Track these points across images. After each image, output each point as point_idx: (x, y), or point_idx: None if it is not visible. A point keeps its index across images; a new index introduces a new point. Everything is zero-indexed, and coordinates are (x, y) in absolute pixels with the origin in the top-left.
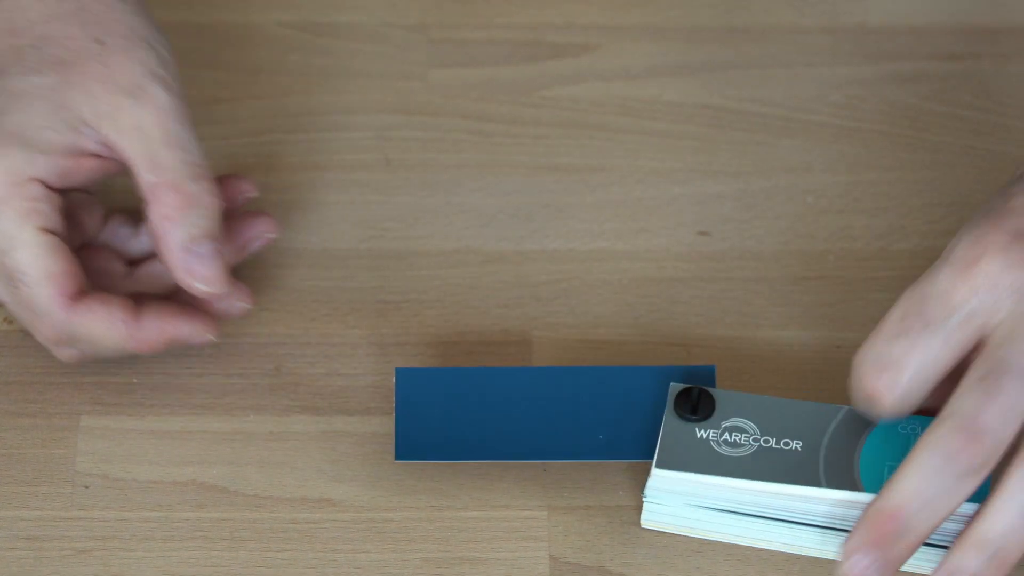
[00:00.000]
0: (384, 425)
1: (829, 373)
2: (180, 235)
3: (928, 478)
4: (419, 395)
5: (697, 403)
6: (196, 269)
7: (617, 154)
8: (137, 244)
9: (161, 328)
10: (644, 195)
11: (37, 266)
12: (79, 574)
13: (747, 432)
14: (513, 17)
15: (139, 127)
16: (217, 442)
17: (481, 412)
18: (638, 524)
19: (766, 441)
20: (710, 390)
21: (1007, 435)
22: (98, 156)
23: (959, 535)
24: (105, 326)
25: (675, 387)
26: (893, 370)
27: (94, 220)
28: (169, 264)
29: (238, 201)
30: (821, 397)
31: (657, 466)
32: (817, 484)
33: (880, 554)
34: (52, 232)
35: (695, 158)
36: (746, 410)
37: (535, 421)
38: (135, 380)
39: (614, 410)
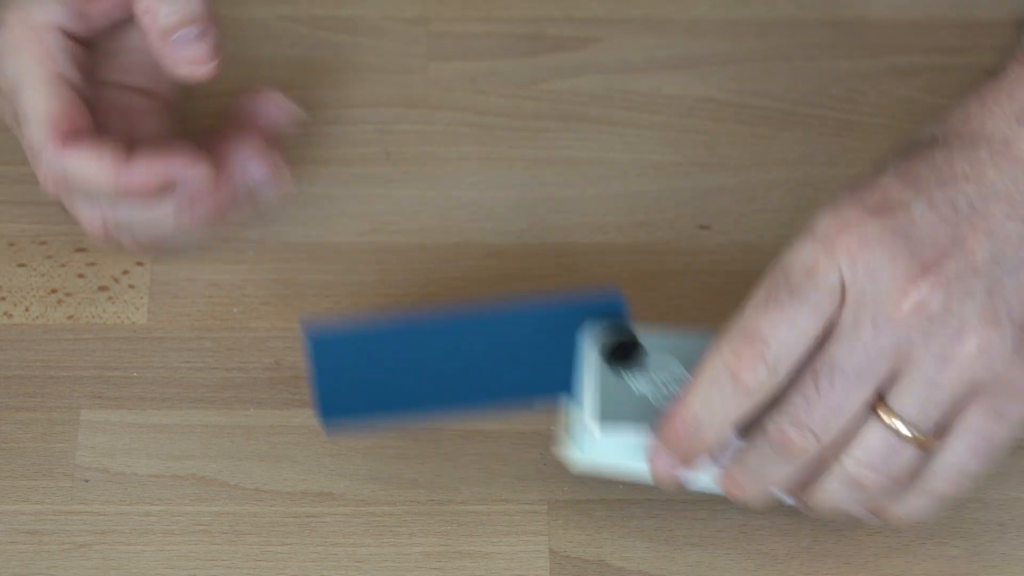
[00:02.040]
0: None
1: None
2: (160, 24)
3: (756, 461)
4: (334, 356)
5: (629, 355)
6: (182, 54)
7: (617, 147)
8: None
9: (150, 166)
10: (644, 188)
11: (38, 107)
12: (79, 568)
13: (675, 375)
14: (513, 10)
15: None
16: (217, 436)
17: (397, 368)
18: (639, 518)
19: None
20: (637, 336)
21: (834, 430)
22: None
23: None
24: (94, 166)
25: (598, 336)
26: (761, 340)
27: (148, 124)
28: (160, 59)
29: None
30: None
31: (603, 430)
32: None
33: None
34: (62, 78)
35: (695, 151)
36: (669, 349)
37: (455, 371)
38: (135, 374)
39: (530, 350)
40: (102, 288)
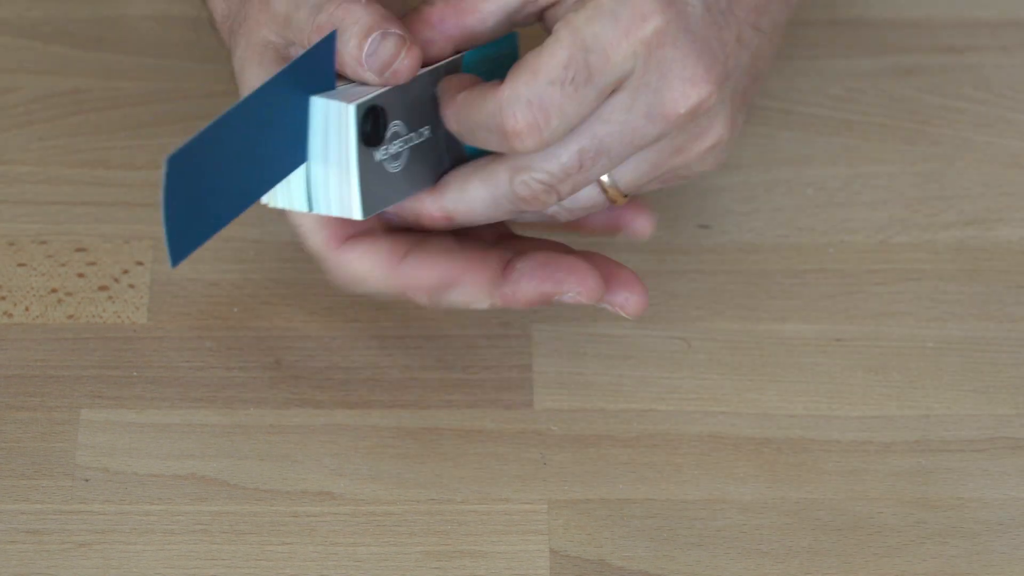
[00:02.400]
0: (385, 418)
1: (829, 366)
2: (348, 65)
3: (490, 208)
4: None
5: (378, 124)
6: (374, 66)
7: None
8: None
9: (427, 266)
10: None
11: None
12: (79, 567)
13: (400, 134)
14: None
15: (285, 16)
16: (217, 435)
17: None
18: (639, 518)
19: (409, 139)
20: (373, 103)
21: (574, 192)
22: None
23: None
24: (369, 264)
25: (347, 108)
26: (544, 115)
27: None
28: (361, 79)
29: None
30: (819, 392)
31: (364, 215)
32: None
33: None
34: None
35: None
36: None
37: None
38: (135, 374)
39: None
40: (102, 288)
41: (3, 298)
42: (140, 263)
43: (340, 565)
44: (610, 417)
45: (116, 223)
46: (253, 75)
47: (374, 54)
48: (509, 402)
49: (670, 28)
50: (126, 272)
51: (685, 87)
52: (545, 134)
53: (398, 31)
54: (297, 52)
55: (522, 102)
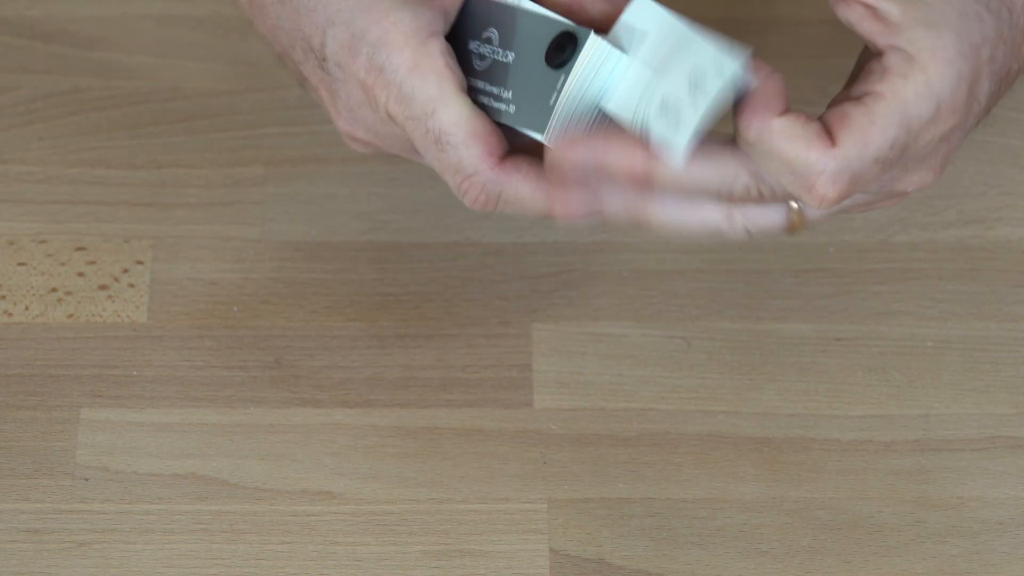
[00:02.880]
0: (385, 417)
1: (829, 366)
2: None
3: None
4: None
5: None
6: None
7: None
8: None
9: (586, 195)
10: None
11: (464, 126)
12: (79, 566)
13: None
14: None
15: None
16: (217, 435)
17: None
18: (639, 517)
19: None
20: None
21: None
22: None
23: None
24: (532, 187)
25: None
26: (857, 187)
27: None
28: None
29: None
30: (819, 391)
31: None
32: None
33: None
34: (465, 92)
35: None
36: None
37: None
38: (135, 373)
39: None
40: (102, 287)
41: (3, 297)
42: (140, 262)
43: (340, 564)
44: (610, 416)
45: (116, 222)
46: (459, 114)
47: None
48: (509, 401)
49: (958, 130)
50: (126, 271)
51: (926, 175)
52: (845, 203)
53: None
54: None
55: (845, 174)
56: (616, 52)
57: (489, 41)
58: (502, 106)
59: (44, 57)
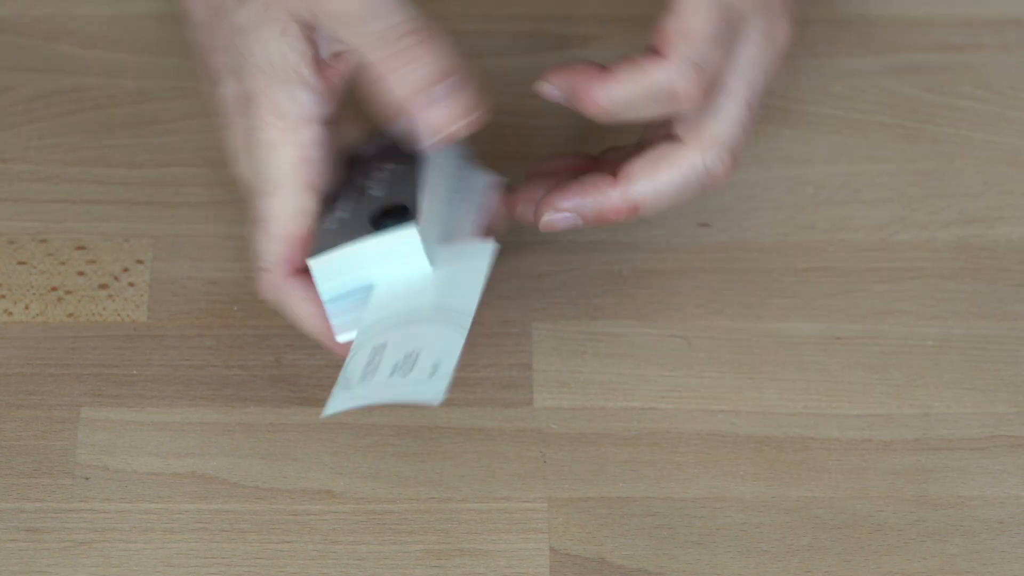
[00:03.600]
0: (385, 416)
1: (829, 365)
2: (395, 93)
3: (679, 187)
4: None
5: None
6: (432, 117)
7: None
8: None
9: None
10: None
11: (282, 224)
12: (79, 565)
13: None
14: (513, 8)
15: (339, 14)
16: (217, 434)
17: None
18: (639, 516)
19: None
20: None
21: None
22: (340, 52)
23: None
24: (310, 311)
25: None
26: (709, 75)
27: (354, 131)
28: (409, 126)
29: None
30: (819, 390)
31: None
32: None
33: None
34: (313, 188)
35: None
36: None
37: None
38: (135, 372)
39: None
40: (102, 286)
41: (3, 296)
42: (140, 261)
43: (340, 563)
44: (610, 415)
45: (116, 221)
46: (271, 42)
47: (440, 101)
48: (509, 400)
49: None
50: (126, 270)
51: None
52: (710, 93)
53: (466, 86)
54: (336, 49)
55: (690, 66)
56: (423, 258)
57: (379, 170)
58: (334, 216)
59: (44, 56)
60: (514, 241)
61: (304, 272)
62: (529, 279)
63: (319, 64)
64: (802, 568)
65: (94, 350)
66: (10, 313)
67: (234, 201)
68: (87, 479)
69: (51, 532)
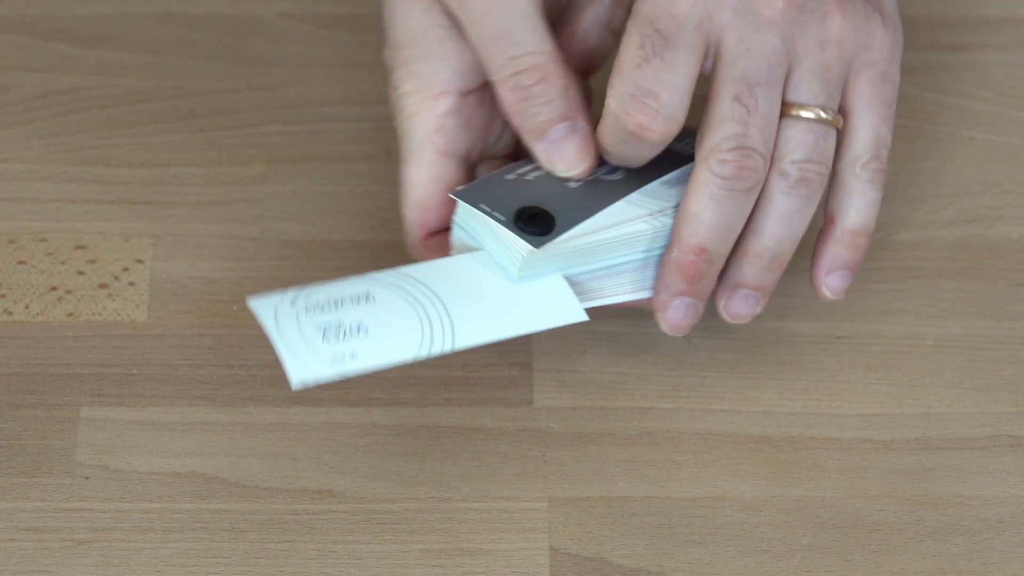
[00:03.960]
0: (385, 416)
1: (829, 364)
2: (526, 131)
3: (719, 208)
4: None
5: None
6: (552, 158)
7: None
8: None
9: None
10: None
11: (417, 191)
12: (79, 565)
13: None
14: None
15: (474, 20)
16: (217, 433)
17: None
18: (639, 515)
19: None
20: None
21: (769, 142)
22: None
23: (736, 250)
24: None
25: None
26: (652, 95)
27: (492, 133)
28: (534, 154)
29: None
30: (819, 389)
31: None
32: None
33: (693, 292)
34: (450, 154)
35: None
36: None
37: None
38: (135, 371)
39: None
40: (102, 285)
41: (3, 296)
42: (140, 261)
43: (340, 563)
44: (610, 415)
45: (116, 221)
46: (412, 16)
47: (556, 142)
48: (509, 400)
49: None
50: (126, 270)
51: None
52: (665, 111)
53: (585, 130)
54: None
55: (625, 99)
56: (515, 272)
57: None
58: (528, 168)
59: (44, 55)
60: None
61: (439, 235)
62: None
63: (461, 38)
64: (802, 567)
65: (94, 350)
66: (10, 313)
67: (234, 200)
68: (87, 479)
69: (51, 532)
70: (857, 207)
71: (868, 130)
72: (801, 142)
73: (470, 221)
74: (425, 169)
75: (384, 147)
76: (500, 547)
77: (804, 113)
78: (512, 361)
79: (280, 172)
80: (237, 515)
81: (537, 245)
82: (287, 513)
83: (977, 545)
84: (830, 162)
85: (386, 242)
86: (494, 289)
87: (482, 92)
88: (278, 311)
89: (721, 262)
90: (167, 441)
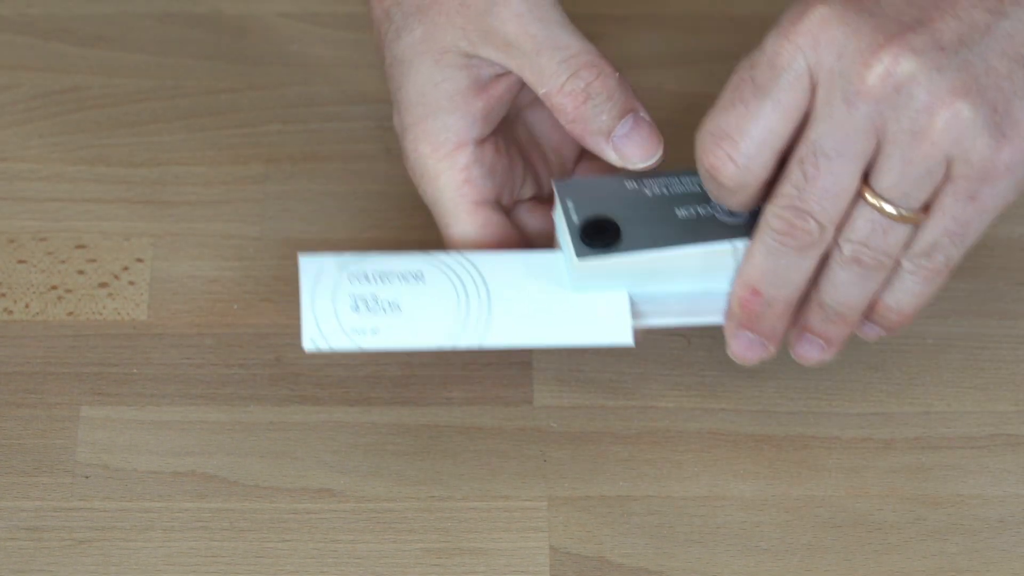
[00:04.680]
0: (385, 415)
1: (830, 363)
2: (592, 134)
3: (769, 257)
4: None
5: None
6: (626, 153)
7: None
8: None
9: None
10: None
11: (472, 246)
12: (79, 564)
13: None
14: None
15: (509, 43)
16: (217, 432)
17: None
18: (639, 514)
19: None
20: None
21: (830, 211)
22: (499, 75)
23: (807, 294)
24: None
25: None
26: (729, 140)
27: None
28: (608, 161)
29: None
30: (819, 388)
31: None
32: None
33: (755, 329)
34: (484, 202)
35: None
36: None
37: None
38: (135, 370)
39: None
40: (102, 285)
41: (3, 295)
42: (140, 260)
43: (340, 562)
44: (610, 414)
45: (116, 220)
46: (423, 72)
47: (626, 136)
48: (509, 399)
49: (834, 11)
50: (126, 269)
51: (867, 57)
52: (739, 159)
53: (648, 119)
54: (497, 72)
55: (705, 137)
56: (569, 282)
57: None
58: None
59: (44, 55)
60: None
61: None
62: None
63: (477, 87)
64: (802, 566)
65: (94, 349)
66: (10, 312)
67: (234, 200)
68: (87, 478)
69: (51, 531)
70: (889, 306)
71: (932, 239)
72: (860, 227)
73: (559, 214)
74: (468, 224)
75: (384, 147)
76: (500, 546)
77: (871, 199)
78: (512, 360)
79: (280, 172)
80: (237, 514)
81: (583, 256)
82: (287, 512)
83: (977, 544)
84: (893, 251)
85: (386, 241)
86: (549, 293)
87: (496, 139)
88: (322, 272)
89: (783, 308)
90: (167, 440)
